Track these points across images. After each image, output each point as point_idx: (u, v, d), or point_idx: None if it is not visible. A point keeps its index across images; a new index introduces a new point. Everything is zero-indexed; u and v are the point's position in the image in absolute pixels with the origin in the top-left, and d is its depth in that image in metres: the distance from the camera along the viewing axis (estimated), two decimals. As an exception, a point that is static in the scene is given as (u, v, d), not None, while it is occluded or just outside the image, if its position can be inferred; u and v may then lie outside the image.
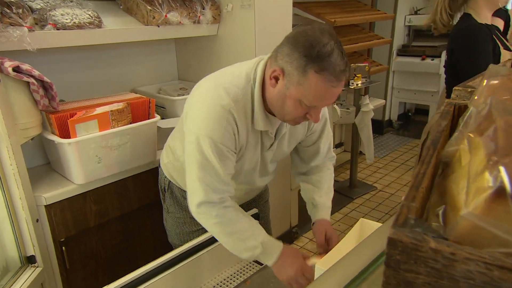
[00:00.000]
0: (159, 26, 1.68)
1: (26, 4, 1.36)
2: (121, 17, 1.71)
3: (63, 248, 1.40)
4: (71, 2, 1.46)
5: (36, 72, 1.23)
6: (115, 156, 1.44)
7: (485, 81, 0.34)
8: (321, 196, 1.25)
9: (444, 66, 1.68)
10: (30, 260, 1.27)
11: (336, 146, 3.68)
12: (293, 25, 1.94)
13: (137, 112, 1.50)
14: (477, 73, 1.51)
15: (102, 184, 1.46)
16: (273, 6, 1.80)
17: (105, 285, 0.96)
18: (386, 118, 4.42)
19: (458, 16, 1.63)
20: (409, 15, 4.16)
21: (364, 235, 1.02)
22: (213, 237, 1.13)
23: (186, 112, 1.06)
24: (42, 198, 1.31)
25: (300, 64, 0.90)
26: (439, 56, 3.84)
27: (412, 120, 4.74)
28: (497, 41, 1.54)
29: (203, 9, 1.83)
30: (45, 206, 1.32)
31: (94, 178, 1.41)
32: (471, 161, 0.33)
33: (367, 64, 2.71)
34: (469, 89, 0.44)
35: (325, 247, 1.18)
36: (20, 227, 1.23)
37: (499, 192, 0.28)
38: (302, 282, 1.02)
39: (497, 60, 1.52)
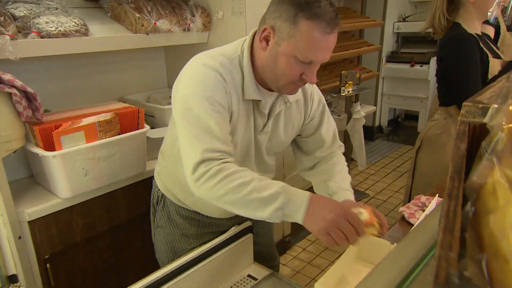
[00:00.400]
0: (148, 34, 1.64)
1: (8, 11, 1.31)
2: (109, 24, 1.66)
3: (48, 265, 1.33)
4: (56, 9, 1.42)
5: (18, 83, 1.17)
6: (103, 168, 1.38)
7: (510, 100, 0.31)
8: (336, 182, 1.09)
9: (436, 75, 1.69)
10: (12, 279, 1.20)
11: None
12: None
13: (126, 122, 1.45)
14: (464, 80, 1.54)
15: (89, 197, 1.40)
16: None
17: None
18: (376, 124, 4.43)
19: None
20: (398, 22, 4.20)
21: (361, 245, 0.98)
22: (205, 253, 1.08)
23: (174, 92, 0.99)
24: (25, 213, 1.25)
25: (289, 15, 0.86)
26: (428, 63, 3.88)
27: (401, 125, 4.78)
28: (485, 49, 1.54)
29: (193, 16, 1.80)
30: (28, 222, 1.26)
31: (80, 191, 1.36)
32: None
33: (358, 71, 2.71)
34: (480, 105, 0.42)
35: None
36: (1, 245, 1.17)
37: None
38: (346, 228, 0.80)
39: (485, 68, 1.54)
